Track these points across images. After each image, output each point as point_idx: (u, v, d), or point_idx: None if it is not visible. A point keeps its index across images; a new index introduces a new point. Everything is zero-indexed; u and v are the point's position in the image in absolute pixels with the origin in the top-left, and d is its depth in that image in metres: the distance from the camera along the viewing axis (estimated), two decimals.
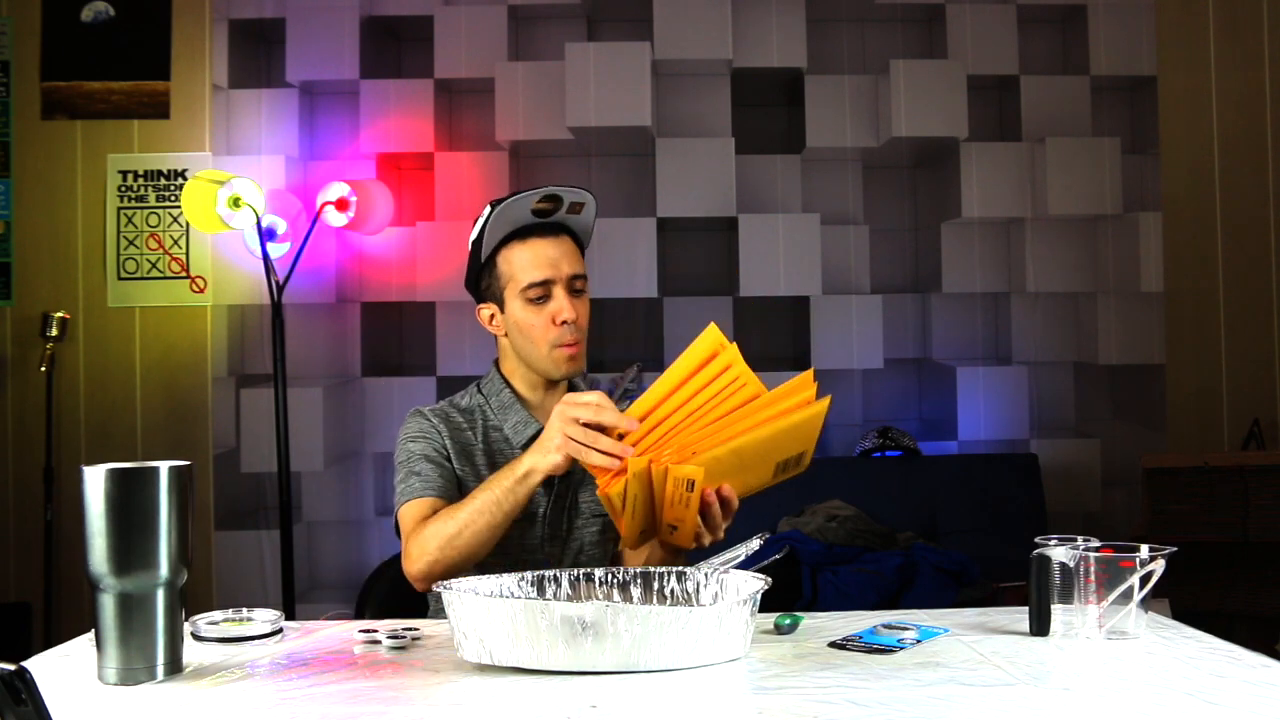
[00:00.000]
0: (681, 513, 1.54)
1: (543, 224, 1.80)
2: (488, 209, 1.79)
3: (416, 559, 1.65)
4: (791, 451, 1.59)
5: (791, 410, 1.54)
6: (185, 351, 3.83)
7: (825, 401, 1.56)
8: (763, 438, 1.53)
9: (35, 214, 3.82)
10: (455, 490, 1.78)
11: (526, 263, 1.78)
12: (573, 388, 1.93)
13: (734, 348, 1.55)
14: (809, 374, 1.57)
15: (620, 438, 1.55)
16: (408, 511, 1.74)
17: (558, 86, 3.86)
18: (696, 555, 1.66)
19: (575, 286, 1.81)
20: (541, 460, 1.61)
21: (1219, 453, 3.75)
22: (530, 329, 1.79)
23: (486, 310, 1.85)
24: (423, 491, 1.75)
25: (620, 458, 1.52)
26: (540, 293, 1.78)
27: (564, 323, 1.78)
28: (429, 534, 1.65)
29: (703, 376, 1.54)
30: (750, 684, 1.25)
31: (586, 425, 1.56)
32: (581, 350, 1.83)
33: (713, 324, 1.58)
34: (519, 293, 1.79)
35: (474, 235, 1.82)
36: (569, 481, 1.84)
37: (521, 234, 1.79)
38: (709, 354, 1.54)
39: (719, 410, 1.53)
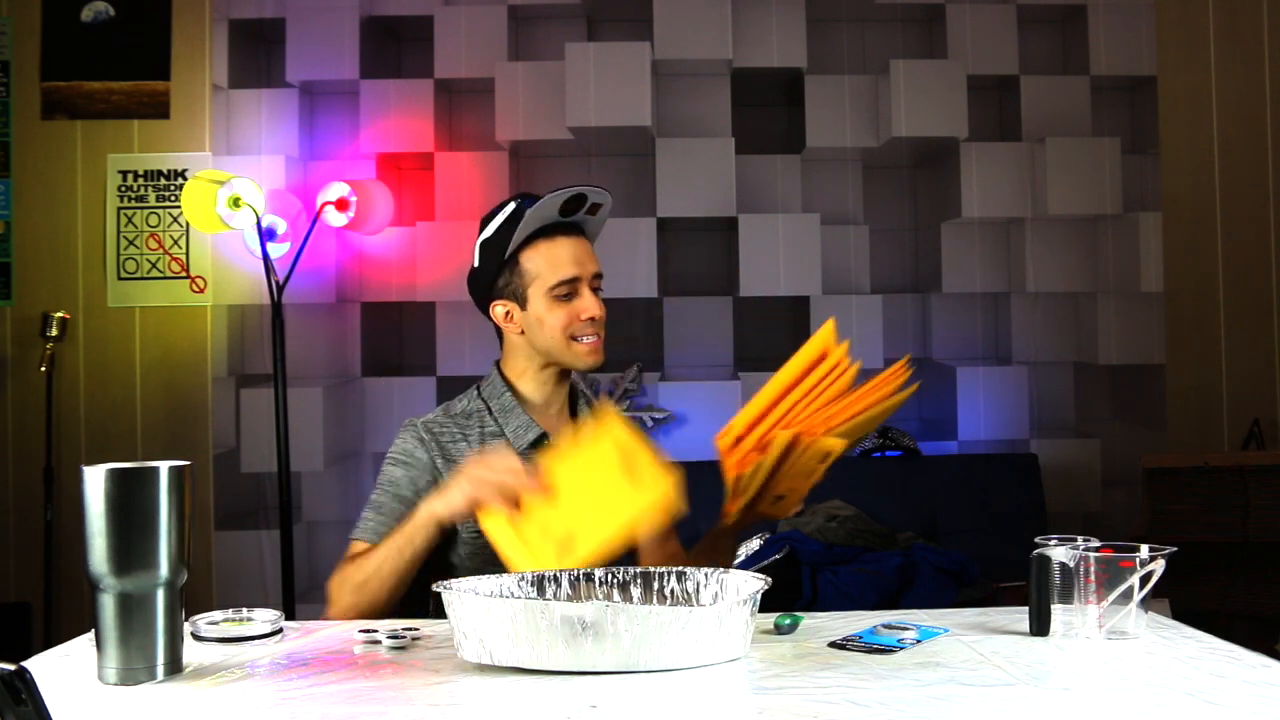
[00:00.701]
0: (800, 484, 1.65)
1: (565, 223, 1.83)
2: (510, 206, 1.81)
3: (334, 603, 1.69)
4: (867, 431, 1.70)
5: (889, 395, 1.66)
6: (185, 351, 3.83)
7: (912, 389, 1.67)
8: (868, 419, 1.64)
9: (35, 214, 3.82)
10: None
11: (556, 261, 1.81)
12: (572, 390, 1.94)
13: (843, 347, 1.67)
14: (905, 361, 1.68)
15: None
16: (350, 549, 1.77)
17: (558, 86, 3.86)
18: None
19: (595, 285, 1.86)
20: (441, 506, 1.63)
21: (1219, 453, 3.75)
22: (555, 326, 1.82)
23: (502, 307, 1.86)
24: (372, 534, 1.77)
25: (517, 496, 1.57)
26: (568, 290, 1.82)
27: (589, 318, 1.82)
28: (343, 579, 1.69)
29: (812, 361, 1.66)
30: (750, 684, 1.25)
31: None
32: (603, 343, 1.87)
33: (831, 319, 1.70)
34: (546, 291, 1.81)
35: (489, 234, 1.84)
36: None
37: (546, 233, 1.82)
38: (819, 352, 1.66)
39: (830, 393, 1.64)
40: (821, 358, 1.66)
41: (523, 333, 1.85)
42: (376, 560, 1.66)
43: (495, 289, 1.86)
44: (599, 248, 1.92)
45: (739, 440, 1.65)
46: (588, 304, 1.83)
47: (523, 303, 1.83)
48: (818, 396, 1.63)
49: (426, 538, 1.66)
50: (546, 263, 1.81)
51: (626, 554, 1.93)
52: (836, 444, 1.58)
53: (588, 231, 1.88)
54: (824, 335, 1.69)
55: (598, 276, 1.86)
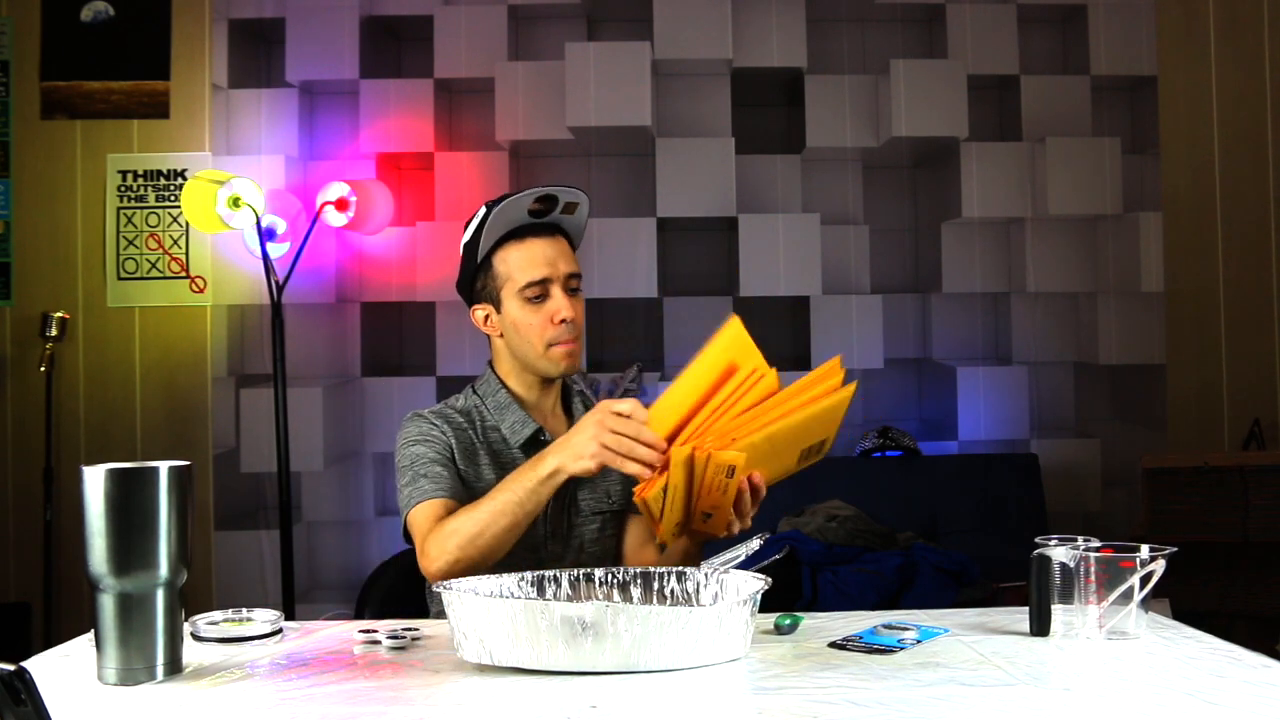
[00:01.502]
0: (718, 499, 1.55)
1: (538, 224, 1.81)
2: (482, 210, 1.80)
3: (436, 558, 1.63)
4: (816, 438, 1.61)
5: (820, 396, 1.56)
6: (185, 351, 3.83)
7: (852, 387, 1.58)
8: (794, 424, 1.54)
9: (35, 214, 3.82)
10: (463, 491, 1.77)
11: (524, 263, 1.79)
12: (565, 388, 1.93)
13: (758, 355, 1.55)
14: (836, 360, 1.59)
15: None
16: (421, 513, 1.72)
17: (558, 86, 3.86)
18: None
19: (571, 285, 1.82)
20: (572, 464, 1.59)
21: (1219, 453, 3.75)
22: (528, 329, 1.80)
23: (481, 311, 1.86)
24: (434, 493, 1.73)
25: (654, 466, 1.52)
26: (538, 292, 1.79)
27: (562, 321, 1.79)
28: (449, 533, 1.63)
29: (722, 372, 1.55)
30: (750, 684, 1.25)
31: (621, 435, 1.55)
32: (579, 347, 1.84)
33: (735, 318, 1.56)
34: (516, 293, 1.79)
35: (467, 238, 1.83)
36: (567, 481, 1.85)
37: (518, 234, 1.80)
38: (728, 365, 1.54)
39: (745, 401, 1.53)
40: (731, 370, 1.54)
41: (502, 335, 1.85)
42: (490, 514, 1.61)
43: (474, 293, 1.85)
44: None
45: None
46: (559, 305, 1.78)
47: (498, 305, 1.82)
48: (727, 410, 1.52)
49: (551, 491, 1.63)
50: (516, 264, 1.79)
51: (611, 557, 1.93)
52: (737, 457, 1.48)
53: (568, 231, 1.85)
54: (729, 337, 1.55)
55: (574, 277, 1.82)
